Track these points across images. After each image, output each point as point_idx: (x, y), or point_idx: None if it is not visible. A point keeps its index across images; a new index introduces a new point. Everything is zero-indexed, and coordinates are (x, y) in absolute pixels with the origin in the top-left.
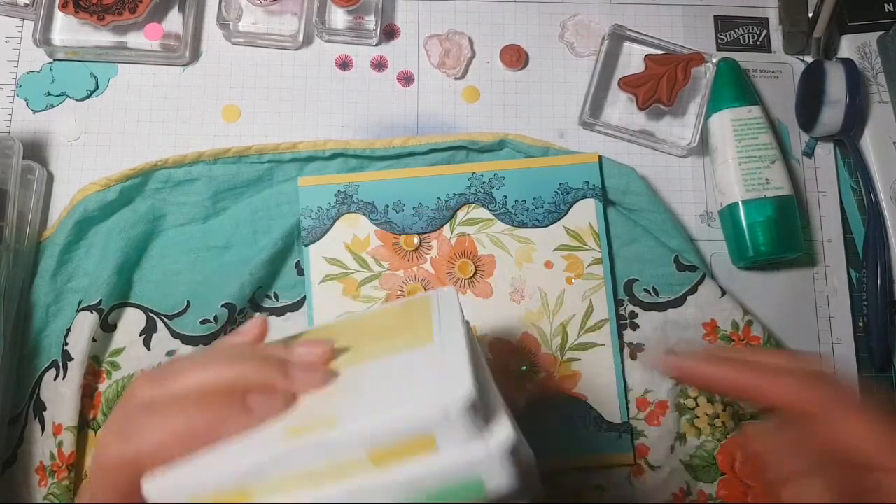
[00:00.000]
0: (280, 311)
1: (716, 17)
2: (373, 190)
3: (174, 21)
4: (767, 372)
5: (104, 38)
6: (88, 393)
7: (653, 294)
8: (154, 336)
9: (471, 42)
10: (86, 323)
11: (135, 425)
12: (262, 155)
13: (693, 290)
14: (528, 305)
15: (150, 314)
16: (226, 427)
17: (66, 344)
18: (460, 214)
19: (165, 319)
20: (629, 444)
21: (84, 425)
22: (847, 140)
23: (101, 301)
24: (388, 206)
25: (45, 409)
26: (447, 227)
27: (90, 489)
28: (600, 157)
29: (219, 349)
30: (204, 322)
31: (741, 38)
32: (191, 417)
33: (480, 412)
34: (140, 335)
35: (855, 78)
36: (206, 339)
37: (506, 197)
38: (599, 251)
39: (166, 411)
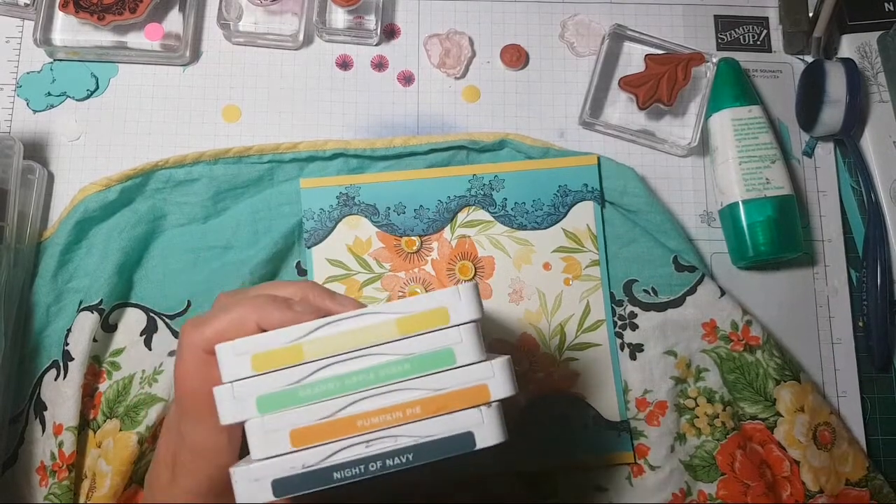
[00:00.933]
0: None
1: (716, 17)
2: (374, 192)
3: (174, 21)
4: None
5: (104, 38)
6: (89, 393)
7: (652, 294)
8: (155, 336)
9: (471, 42)
10: (86, 323)
11: (206, 317)
12: (263, 155)
13: (692, 291)
14: (527, 306)
15: (151, 314)
16: (274, 318)
17: (67, 344)
18: (460, 216)
19: (166, 319)
20: (629, 443)
21: (84, 425)
22: (847, 140)
23: (101, 301)
24: (389, 208)
25: (45, 409)
26: (447, 229)
27: (176, 366)
28: (599, 159)
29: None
30: None
31: (741, 37)
32: (254, 308)
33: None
34: (141, 335)
35: (855, 77)
36: None
37: (505, 199)
38: (597, 253)
39: (230, 308)
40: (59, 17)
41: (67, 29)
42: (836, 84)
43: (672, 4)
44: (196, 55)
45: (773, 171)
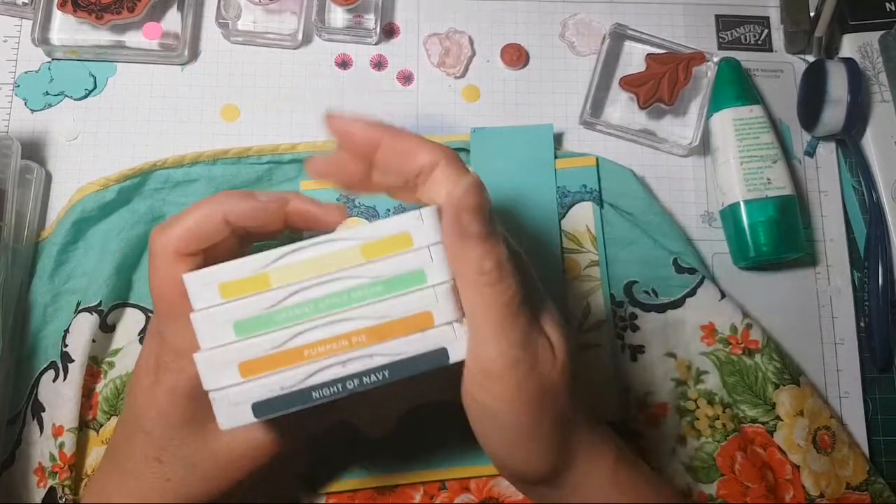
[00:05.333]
0: None
1: (717, 17)
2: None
3: (173, 20)
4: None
5: (103, 37)
6: (86, 393)
7: (652, 295)
8: None
9: (471, 41)
10: (85, 325)
11: (173, 218)
12: (262, 156)
13: (692, 293)
14: None
15: (150, 314)
16: (240, 208)
17: (66, 346)
18: None
19: None
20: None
21: (83, 426)
22: (849, 140)
23: (100, 303)
24: (389, 210)
25: (43, 410)
26: None
27: (150, 273)
28: (598, 161)
29: None
30: None
31: (742, 37)
32: (219, 202)
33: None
34: (139, 335)
35: (856, 77)
36: None
37: None
38: (596, 254)
39: (194, 207)
40: (58, 16)
41: (65, 28)
42: (837, 84)
43: (673, 4)
44: (194, 54)
45: (774, 171)
